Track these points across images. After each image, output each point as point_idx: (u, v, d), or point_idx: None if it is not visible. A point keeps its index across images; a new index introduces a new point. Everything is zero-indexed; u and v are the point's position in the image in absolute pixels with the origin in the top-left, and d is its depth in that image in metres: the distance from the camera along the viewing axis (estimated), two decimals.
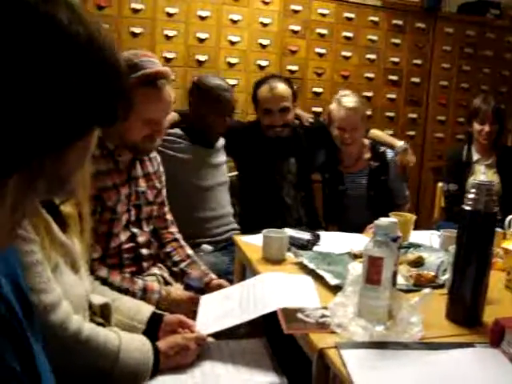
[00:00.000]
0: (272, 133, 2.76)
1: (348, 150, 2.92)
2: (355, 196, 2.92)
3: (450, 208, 3.37)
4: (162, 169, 2.02)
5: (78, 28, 0.58)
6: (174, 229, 2.04)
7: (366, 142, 2.98)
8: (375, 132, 3.12)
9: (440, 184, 3.54)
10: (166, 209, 2.03)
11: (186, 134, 2.57)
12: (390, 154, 2.94)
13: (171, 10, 3.55)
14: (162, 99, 1.73)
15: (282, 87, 2.75)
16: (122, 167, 1.78)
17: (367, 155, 2.95)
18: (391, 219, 1.36)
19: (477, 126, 3.27)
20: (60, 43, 0.56)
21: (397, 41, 4.23)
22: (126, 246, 1.77)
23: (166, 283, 1.86)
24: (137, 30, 3.50)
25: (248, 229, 2.49)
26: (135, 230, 1.81)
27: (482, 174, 3.30)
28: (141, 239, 1.82)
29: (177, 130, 2.57)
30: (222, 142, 2.70)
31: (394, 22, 4.20)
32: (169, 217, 2.04)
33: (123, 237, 1.75)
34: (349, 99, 2.89)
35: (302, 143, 2.87)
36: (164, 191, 2.00)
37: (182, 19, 3.59)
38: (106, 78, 0.62)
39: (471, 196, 1.34)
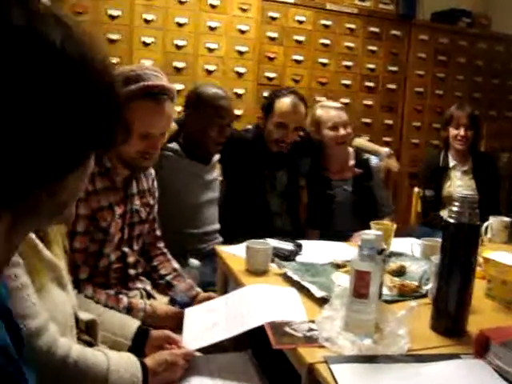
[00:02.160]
0: (277, 148, 2.73)
1: (340, 151, 2.95)
2: (341, 202, 2.95)
3: (427, 213, 3.42)
4: (156, 184, 1.98)
5: (72, 48, 0.56)
6: (161, 244, 2.03)
7: (350, 149, 3.02)
8: (359, 140, 3.18)
9: (416, 189, 3.58)
10: (156, 225, 2.00)
11: (182, 149, 2.48)
12: (374, 160, 3.00)
13: (149, 17, 3.54)
14: (161, 114, 1.68)
15: (302, 106, 2.73)
16: (119, 185, 1.74)
17: (351, 162, 2.99)
18: (376, 232, 1.36)
19: (453, 131, 3.33)
20: (53, 66, 0.54)
21: (373, 48, 4.28)
22: (115, 265, 1.75)
23: (149, 296, 1.84)
24: (114, 37, 3.48)
25: (231, 237, 2.48)
26: (126, 250, 1.78)
27: (459, 180, 3.38)
28: (130, 259, 1.80)
29: (174, 145, 2.48)
30: (217, 157, 2.63)
31: (371, 29, 4.25)
32: (158, 232, 2.01)
33: (113, 256, 1.73)
34: (331, 103, 3.01)
35: (292, 154, 2.87)
36: (156, 207, 1.97)
37: (159, 26, 3.58)
38: (103, 101, 0.60)
39: (455, 209, 1.35)
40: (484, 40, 4.74)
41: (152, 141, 1.70)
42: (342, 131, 2.87)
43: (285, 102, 2.70)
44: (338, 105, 3.00)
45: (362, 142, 3.20)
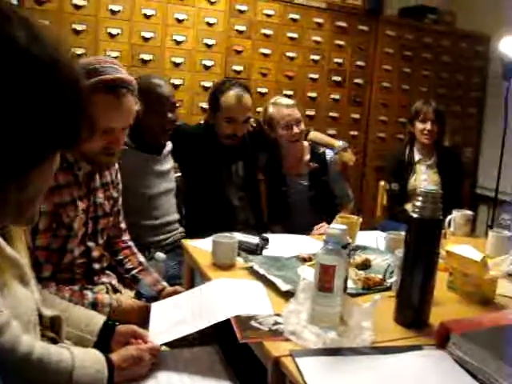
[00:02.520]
0: (230, 142, 2.73)
1: (295, 148, 2.96)
2: (298, 197, 2.97)
3: (393, 207, 3.47)
4: (119, 176, 1.95)
5: (37, 47, 0.57)
6: (126, 237, 2.01)
7: (306, 143, 3.03)
8: (314, 133, 3.18)
9: (382, 183, 3.63)
10: (121, 217, 1.98)
11: (131, 141, 2.46)
12: (329, 154, 3.02)
13: (115, 8, 3.49)
14: (121, 108, 1.65)
15: (247, 97, 2.71)
16: (81, 180, 1.70)
17: (307, 157, 3.01)
18: (341, 226, 1.38)
19: (419, 126, 3.38)
20: (20, 65, 0.55)
21: (340, 42, 4.30)
22: (79, 261, 1.72)
23: (115, 291, 1.83)
24: (79, 27, 3.42)
25: (194, 232, 2.47)
26: (90, 244, 1.76)
27: (424, 174, 3.44)
28: (94, 254, 1.77)
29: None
30: (169, 147, 2.63)
31: (338, 23, 4.27)
32: (123, 225, 1.99)
33: (77, 252, 1.70)
34: (284, 99, 3.02)
35: (247, 147, 2.88)
36: (120, 200, 1.95)
37: (126, 17, 3.53)
38: (68, 99, 0.60)
39: (418, 204, 1.38)
40: (449, 37, 4.81)
41: (114, 136, 1.67)
42: (295, 129, 2.88)
43: (230, 97, 2.67)
44: (290, 101, 2.99)
45: (317, 135, 3.20)
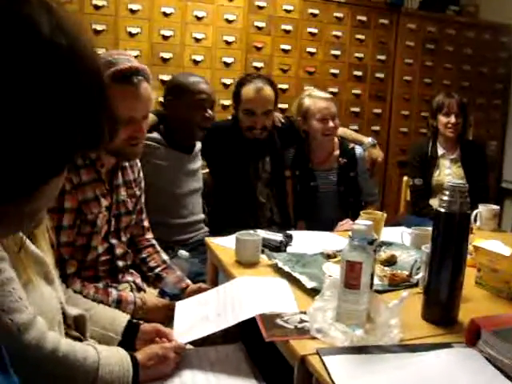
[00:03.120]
0: (251, 135, 2.71)
1: (328, 143, 2.93)
2: (326, 192, 2.94)
3: (416, 202, 3.43)
4: (141, 174, 1.95)
5: (61, 37, 0.51)
6: (149, 235, 2.01)
7: (335, 139, 3.00)
8: (343, 129, 3.16)
9: (405, 178, 3.59)
10: (144, 215, 1.98)
11: (164, 139, 2.47)
12: (358, 150, 2.99)
13: (134, 7, 3.50)
14: (139, 96, 1.65)
15: (268, 89, 2.70)
16: (104, 177, 1.71)
17: (336, 152, 2.98)
18: (367, 222, 1.35)
19: (443, 119, 3.33)
20: (43, 57, 0.49)
21: (361, 37, 4.26)
22: (103, 258, 1.73)
23: (139, 289, 1.83)
24: (99, 27, 3.43)
25: (219, 228, 2.47)
26: (114, 242, 1.76)
27: (447, 169, 3.39)
28: (118, 251, 1.78)
29: (155, 135, 2.47)
30: (199, 146, 2.63)
31: (358, 18, 4.23)
32: (146, 223, 1.99)
33: (101, 249, 1.71)
34: (320, 92, 2.99)
35: (275, 143, 2.86)
36: (143, 198, 1.95)
37: (145, 16, 3.54)
38: (92, 96, 0.55)
39: (445, 198, 1.35)
40: (472, 28, 4.73)
41: (137, 125, 1.67)
42: (330, 123, 2.84)
43: (249, 89, 2.68)
44: (327, 95, 2.97)
45: (346, 131, 3.20)
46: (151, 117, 2.45)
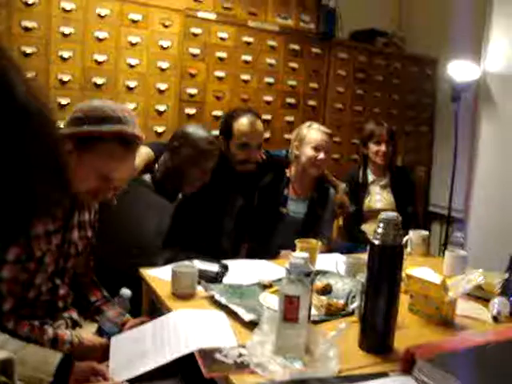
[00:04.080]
0: (244, 168, 2.72)
1: (311, 174, 2.94)
2: (291, 221, 2.94)
3: (349, 228, 3.50)
4: (97, 216, 1.89)
5: (33, 105, 0.52)
6: (92, 274, 1.95)
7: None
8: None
9: None
10: (91, 257, 1.93)
11: (153, 183, 2.37)
12: (332, 191, 3.05)
13: (66, 30, 3.42)
14: (128, 162, 1.67)
15: (259, 123, 2.74)
16: (59, 213, 1.64)
17: (312, 185, 3.01)
18: (303, 255, 1.37)
19: (373, 147, 3.43)
20: (16, 124, 0.49)
21: (294, 65, 4.33)
22: (45, 297, 1.65)
23: (75, 325, 1.76)
24: (29, 50, 3.33)
25: None
26: (58, 282, 1.69)
27: (378, 195, 3.49)
28: (61, 292, 1.71)
29: (147, 178, 2.38)
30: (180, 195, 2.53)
31: (291, 46, 4.30)
32: (91, 263, 1.94)
33: (44, 288, 1.64)
34: (321, 126, 3.02)
35: (254, 178, 2.87)
36: (93, 240, 1.89)
37: (78, 39, 3.46)
38: (50, 164, 0.55)
39: (380, 230, 1.38)
40: (399, 59, 4.92)
41: (109, 184, 1.65)
42: (321, 155, 2.88)
43: (243, 122, 2.70)
44: (327, 130, 2.99)
45: (326, 172, 3.23)
46: (148, 152, 2.40)
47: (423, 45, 5.00)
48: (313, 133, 2.92)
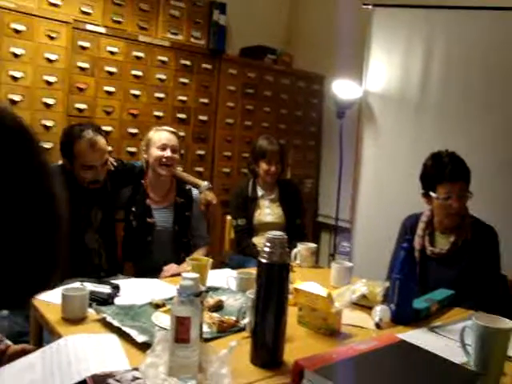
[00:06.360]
0: (92, 186, 2.69)
1: (164, 180, 2.97)
2: (162, 231, 2.97)
3: (240, 241, 3.56)
4: None
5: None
6: None
7: (173, 179, 3.09)
8: (180, 173, 3.25)
9: (229, 217, 3.71)
10: None
11: None
12: (194, 191, 3.11)
13: None
14: None
15: (100, 140, 2.67)
16: None
17: (173, 192, 3.05)
18: (193, 275, 1.38)
19: (264, 166, 3.52)
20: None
21: (185, 80, 4.36)
22: None
23: None
24: None
25: None
26: None
27: (267, 208, 3.58)
28: None
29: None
30: None
31: (182, 62, 4.33)
32: None
33: None
34: (166, 127, 3.10)
35: (107, 188, 2.83)
36: None
37: None
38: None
39: (267, 249, 1.44)
40: (287, 76, 5.11)
41: None
42: (168, 152, 2.92)
43: (83, 144, 2.63)
44: (172, 129, 3.06)
45: (183, 174, 3.30)
46: None
47: (310, 62, 5.25)
48: (157, 134, 3.00)
